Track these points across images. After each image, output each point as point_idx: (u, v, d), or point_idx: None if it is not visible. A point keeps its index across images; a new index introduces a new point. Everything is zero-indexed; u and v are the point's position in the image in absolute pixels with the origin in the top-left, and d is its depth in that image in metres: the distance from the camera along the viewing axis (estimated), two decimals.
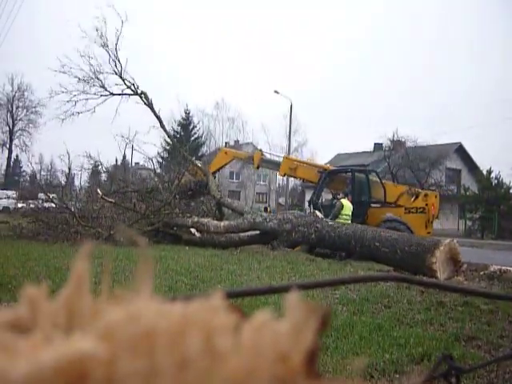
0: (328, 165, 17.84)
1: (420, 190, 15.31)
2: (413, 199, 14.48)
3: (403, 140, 40.65)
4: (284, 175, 17.57)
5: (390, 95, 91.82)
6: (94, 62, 16.94)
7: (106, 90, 17.13)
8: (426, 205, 14.11)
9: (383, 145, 42.18)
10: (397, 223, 13.50)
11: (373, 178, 15.38)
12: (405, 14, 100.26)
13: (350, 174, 15.59)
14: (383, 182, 15.60)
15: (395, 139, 41.00)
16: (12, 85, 56.87)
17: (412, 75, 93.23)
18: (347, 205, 13.67)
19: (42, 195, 15.20)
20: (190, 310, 0.29)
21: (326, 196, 17.19)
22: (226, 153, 18.15)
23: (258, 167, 17.74)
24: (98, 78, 17.04)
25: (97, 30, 16.70)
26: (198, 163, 16.54)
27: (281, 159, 17.09)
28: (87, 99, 17.59)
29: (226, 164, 18.38)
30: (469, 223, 35.95)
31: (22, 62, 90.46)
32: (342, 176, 16.06)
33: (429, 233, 13.91)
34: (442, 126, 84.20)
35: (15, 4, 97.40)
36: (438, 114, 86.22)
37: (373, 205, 14.85)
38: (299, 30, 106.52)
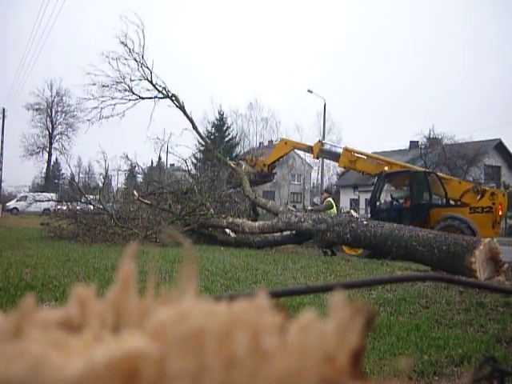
0: (388, 158, 17.17)
1: (486, 188, 14.35)
2: (478, 198, 13.69)
3: (440, 137, 39.88)
4: (344, 167, 17.09)
5: (426, 92, 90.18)
6: (125, 68, 17.14)
7: (133, 93, 17.32)
8: (493, 204, 13.33)
9: (419, 143, 41.48)
10: (457, 221, 12.98)
11: (433, 177, 14.61)
12: (444, 14, 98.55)
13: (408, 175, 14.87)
14: (448, 177, 14.93)
15: (431, 137, 40.26)
16: (51, 90, 58.34)
17: (448, 72, 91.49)
18: (334, 205, 14.20)
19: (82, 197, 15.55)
20: (237, 310, 0.29)
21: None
22: (285, 143, 17.62)
23: (317, 157, 17.43)
24: (125, 83, 17.22)
25: (123, 43, 16.82)
26: (232, 164, 16.60)
27: (341, 150, 16.37)
28: (115, 104, 17.85)
29: (284, 154, 17.97)
30: (510, 222, 34.94)
31: (60, 68, 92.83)
32: (400, 175, 15.31)
33: (496, 233, 13.22)
34: (480, 123, 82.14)
35: (53, 12, 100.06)
36: (476, 110, 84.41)
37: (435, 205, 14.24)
38: (332, 28, 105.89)
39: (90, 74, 17.68)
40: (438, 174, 15.37)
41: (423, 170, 15.48)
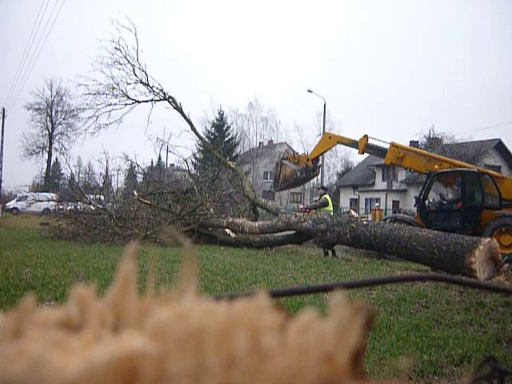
0: (441, 155, 16.27)
1: None
2: None
3: (440, 137, 39.92)
4: (390, 164, 16.08)
5: (426, 92, 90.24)
6: (121, 73, 17.05)
7: (129, 98, 17.21)
8: None
9: (419, 142, 41.50)
10: (510, 219, 12.50)
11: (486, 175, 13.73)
12: (444, 14, 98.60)
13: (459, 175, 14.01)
14: (500, 175, 14.23)
15: (431, 137, 40.30)
16: (51, 90, 58.33)
17: (448, 72, 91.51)
18: (330, 202, 13.92)
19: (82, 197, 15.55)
20: (237, 309, 0.29)
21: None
22: (330, 137, 16.86)
23: (362, 152, 16.42)
24: (119, 88, 17.10)
25: (117, 49, 16.74)
26: (231, 164, 16.58)
27: (387, 145, 15.39)
28: (110, 111, 17.71)
29: (328, 149, 17.57)
30: None
31: (60, 68, 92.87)
32: (452, 174, 14.45)
33: None
34: (480, 123, 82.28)
35: (52, 12, 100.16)
36: (476, 110, 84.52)
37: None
38: (332, 28, 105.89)
39: (84, 85, 17.59)
40: (492, 172, 14.48)
41: (476, 169, 14.38)
